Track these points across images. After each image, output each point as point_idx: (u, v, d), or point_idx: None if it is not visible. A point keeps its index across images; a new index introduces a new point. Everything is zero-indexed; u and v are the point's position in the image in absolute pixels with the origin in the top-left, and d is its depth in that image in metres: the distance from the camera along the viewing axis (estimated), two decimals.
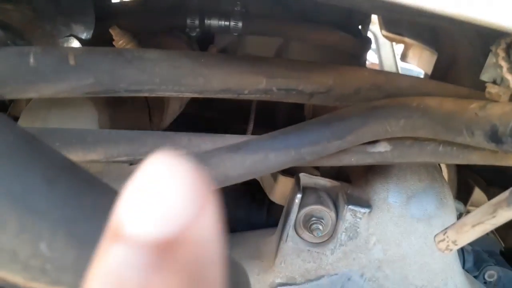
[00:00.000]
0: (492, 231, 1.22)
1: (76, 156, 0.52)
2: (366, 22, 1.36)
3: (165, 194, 0.11)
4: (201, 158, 0.53)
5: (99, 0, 0.92)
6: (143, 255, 0.10)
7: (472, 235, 0.40)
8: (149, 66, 0.53)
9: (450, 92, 0.63)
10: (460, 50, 1.11)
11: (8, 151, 0.26)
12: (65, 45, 0.75)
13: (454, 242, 0.42)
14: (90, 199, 0.28)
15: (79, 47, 0.54)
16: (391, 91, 0.62)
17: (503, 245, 1.21)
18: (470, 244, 1.01)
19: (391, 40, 2.08)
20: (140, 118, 0.86)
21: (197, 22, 1.08)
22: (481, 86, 0.52)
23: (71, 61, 0.49)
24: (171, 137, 0.57)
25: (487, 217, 0.38)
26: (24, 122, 0.68)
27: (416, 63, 1.84)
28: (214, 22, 1.09)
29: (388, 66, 2.55)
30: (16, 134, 0.28)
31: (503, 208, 0.37)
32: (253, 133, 0.96)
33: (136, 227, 0.10)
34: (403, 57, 1.97)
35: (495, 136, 0.44)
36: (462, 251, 0.96)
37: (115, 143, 0.55)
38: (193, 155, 0.54)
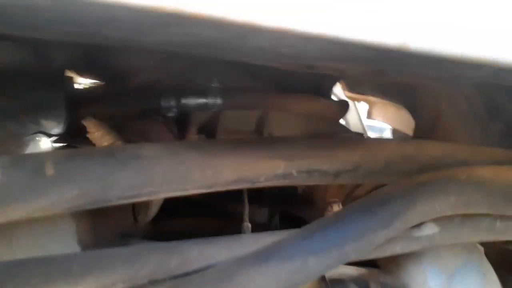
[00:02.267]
0: None
1: None
2: (332, 85, 1.34)
3: None
4: (221, 278, 0.41)
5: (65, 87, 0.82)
6: None
7: None
8: (147, 165, 0.43)
9: (485, 156, 0.56)
10: (444, 106, 1.08)
11: None
12: (32, 144, 0.64)
13: None
14: None
15: (57, 152, 0.43)
16: (424, 161, 0.54)
17: None
18: None
19: (354, 99, 2.12)
20: (124, 219, 0.73)
21: (173, 102, 1.00)
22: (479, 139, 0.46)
23: (49, 171, 0.38)
24: (178, 249, 0.45)
25: None
26: None
27: (382, 119, 1.86)
28: (191, 101, 1.02)
29: (354, 124, 2.58)
30: None
31: None
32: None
33: None
34: (369, 115, 2.01)
35: None
36: None
37: (109, 267, 0.42)
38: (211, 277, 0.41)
